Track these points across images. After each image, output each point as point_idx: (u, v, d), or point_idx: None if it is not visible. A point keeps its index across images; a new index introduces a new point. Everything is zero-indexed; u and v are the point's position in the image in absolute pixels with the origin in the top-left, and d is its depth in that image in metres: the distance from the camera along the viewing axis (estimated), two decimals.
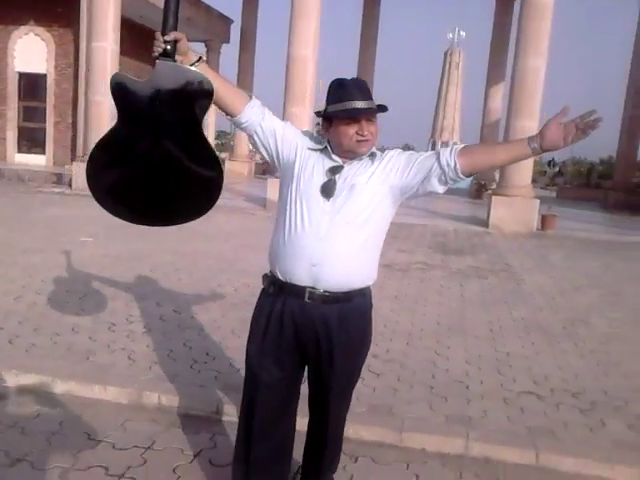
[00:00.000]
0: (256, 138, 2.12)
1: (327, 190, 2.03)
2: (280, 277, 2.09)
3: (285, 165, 2.12)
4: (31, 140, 17.06)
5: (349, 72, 22.65)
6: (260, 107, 2.10)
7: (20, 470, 2.53)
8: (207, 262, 6.55)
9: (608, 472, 2.74)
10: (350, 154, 2.06)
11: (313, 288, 2.04)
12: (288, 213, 2.08)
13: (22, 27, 16.59)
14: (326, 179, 2.05)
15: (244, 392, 2.27)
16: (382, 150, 2.15)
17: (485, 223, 11.78)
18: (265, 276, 2.20)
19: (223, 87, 2.04)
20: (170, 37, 1.93)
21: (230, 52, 23.75)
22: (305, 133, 2.19)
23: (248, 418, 2.21)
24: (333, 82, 2.07)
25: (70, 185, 13.22)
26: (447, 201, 17.44)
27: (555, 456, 2.80)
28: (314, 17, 12.21)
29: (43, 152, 16.82)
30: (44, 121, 16.74)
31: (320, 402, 2.22)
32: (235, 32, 21.99)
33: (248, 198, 13.92)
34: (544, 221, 11.66)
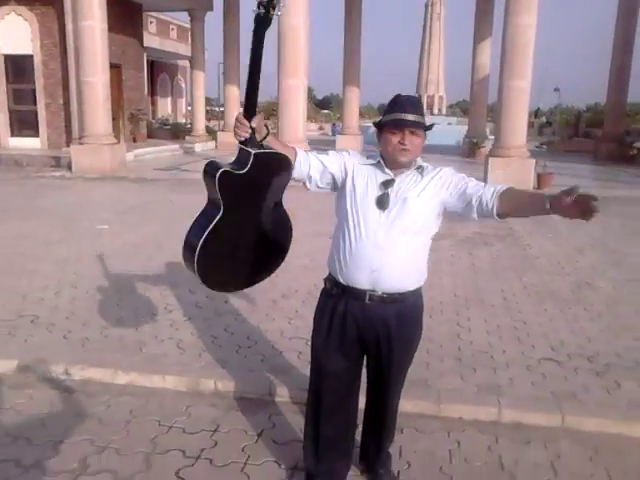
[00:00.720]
0: (309, 185, 2.38)
1: (382, 203, 2.27)
2: (342, 281, 2.36)
3: (340, 187, 2.37)
4: (23, 123, 16.98)
5: (336, 36, 22.40)
6: (305, 160, 2.32)
7: (108, 456, 2.83)
8: None
9: (627, 429, 3.09)
10: (396, 164, 2.29)
11: (373, 291, 2.31)
12: (347, 224, 2.32)
13: (3, 7, 16.31)
14: (380, 192, 2.28)
15: (311, 379, 2.57)
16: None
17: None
18: (327, 279, 2.47)
19: (279, 149, 2.26)
20: (255, 123, 2.13)
21: (216, 19, 23.40)
22: (355, 152, 2.43)
23: (316, 402, 2.53)
24: (394, 96, 2.31)
25: (70, 168, 13.28)
26: (441, 161, 17.60)
27: (579, 418, 3.15)
28: None
29: (37, 135, 16.75)
30: (34, 103, 16.63)
31: (379, 385, 2.53)
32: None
33: None
34: (540, 180, 11.94)
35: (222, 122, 23.28)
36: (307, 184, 2.37)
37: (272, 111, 42.74)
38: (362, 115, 33.91)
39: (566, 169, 15.12)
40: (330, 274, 2.46)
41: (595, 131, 29.51)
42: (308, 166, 2.32)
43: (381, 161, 2.32)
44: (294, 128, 12.19)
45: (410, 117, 2.21)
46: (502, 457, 2.85)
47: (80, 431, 3.05)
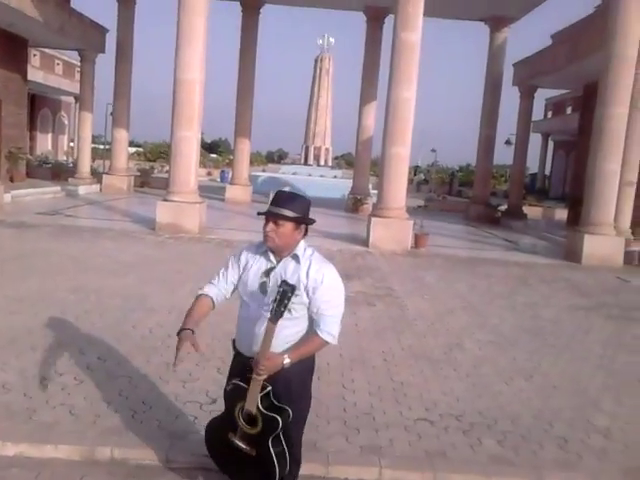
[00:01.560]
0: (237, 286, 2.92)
1: (263, 289, 2.77)
2: (237, 347, 2.94)
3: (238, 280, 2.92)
4: None
5: (230, 85, 22.91)
6: (219, 296, 2.95)
7: None
8: (114, 302, 6.73)
9: None
10: (269, 248, 2.76)
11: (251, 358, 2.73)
12: (241, 305, 2.90)
13: None
14: (262, 281, 2.77)
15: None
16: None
17: (365, 242, 12.79)
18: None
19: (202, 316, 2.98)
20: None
21: (107, 62, 23.12)
22: (251, 245, 2.92)
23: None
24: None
25: None
26: (327, 216, 18.40)
27: (447, 474, 3.56)
28: (200, 42, 12.47)
29: None
30: None
31: None
32: (111, 42, 21.47)
33: (134, 219, 13.87)
34: (417, 240, 12.91)
35: (108, 163, 22.70)
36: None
37: (160, 154, 42.31)
38: (251, 162, 34.56)
39: (441, 229, 16.41)
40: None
41: (467, 191, 32.18)
42: (223, 297, 2.95)
43: (268, 251, 2.78)
44: (185, 179, 12.32)
45: (274, 210, 2.66)
46: None
47: None
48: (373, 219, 12.86)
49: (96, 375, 4.59)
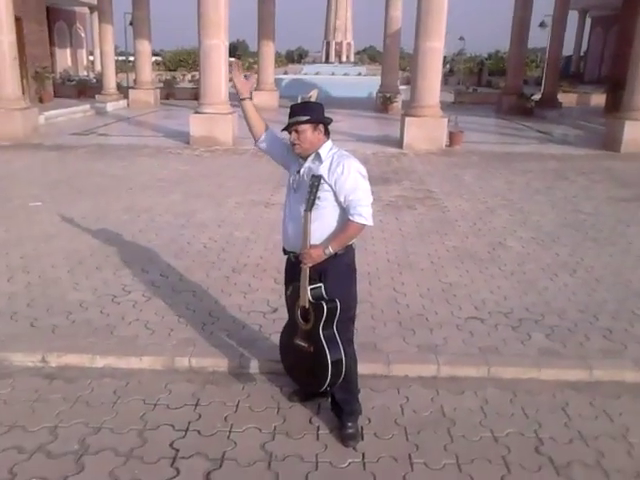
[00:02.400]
0: (269, 155, 3.34)
1: (293, 187, 3.08)
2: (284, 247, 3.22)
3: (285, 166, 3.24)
4: None
5: None
6: (270, 137, 3.27)
7: (104, 435, 3.17)
8: (165, 218, 7.00)
9: (537, 374, 3.79)
10: (298, 155, 3.04)
11: (293, 253, 3.10)
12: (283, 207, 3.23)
13: None
14: (293, 178, 3.09)
15: None
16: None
17: (399, 143, 12.68)
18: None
19: (253, 117, 3.29)
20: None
21: None
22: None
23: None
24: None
25: None
26: (356, 117, 18.15)
27: (500, 368, 3.81)
28: None
29: None
30: None
31: None
32: None
33: (167, 133, 13.93)
34: (452, 138, 12.73)
35: (132, 76, 22.44)
36: (267, 154, 3.37)
37: (179, 62, 41.36)
38: None
39: (473, 124, 16.09)
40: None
41: (497, 80, 30.98)
42: (269, 144, 3.28)
43: (299, 155, 3.05)
44: (217, 89, 12.20)
45: (292, 120, 2.94)
46: (443, 406, 3.46)
47: (71, 415, 3.35)
48: (407, 119, 12.65)
49: (162, 291, 4.90)
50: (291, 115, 2.97)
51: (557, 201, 8.27)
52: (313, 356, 2.96)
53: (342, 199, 2.93)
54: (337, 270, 3.00)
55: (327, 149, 2.99)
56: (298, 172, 3.04)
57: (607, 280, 5.34)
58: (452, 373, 3.78)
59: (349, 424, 3.15)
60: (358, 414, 3.23)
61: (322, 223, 2.97)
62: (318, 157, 2.98)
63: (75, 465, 2.91)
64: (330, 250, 2.91)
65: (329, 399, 3.30)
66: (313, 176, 2.85)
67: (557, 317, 4.55)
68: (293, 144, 2.98)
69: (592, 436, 3.19)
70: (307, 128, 2.93)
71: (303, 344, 3.01)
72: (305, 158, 3.01)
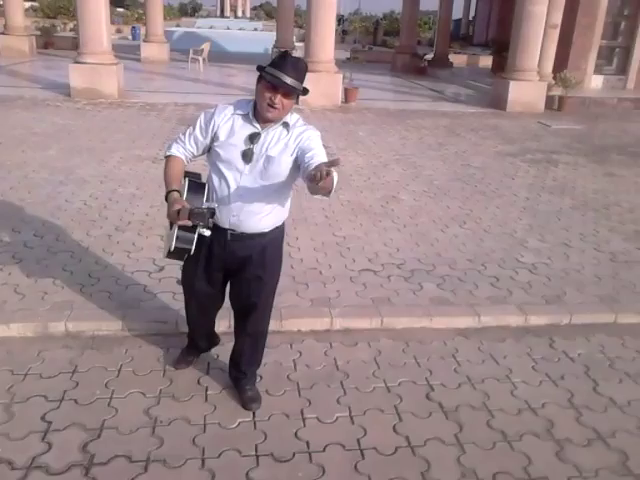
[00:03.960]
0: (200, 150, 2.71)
1: (246, 157, 2.53)
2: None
3: (210, 143, 2.63)
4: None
5: None
6: (184, 149, 2.67)
7: None
8: (40, 175, 6.39)
9: (428, 323, 3.83)
10: (264, 119, 2.49)
11: (233, 231, 2.64)
12: (216, 174, 2.62)
13: None
14: (245, 147, 2.52)
15: (185, 296, 3.00)
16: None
17: None
18: None
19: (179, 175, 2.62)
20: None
21: None
22: (228, 105, 2.62)
23: (187, 307, 3.03)
24: (281, 52, 2.51)
25: None
26: (250, 73, 17.61)
27: (393, 318, 3.82)
28: None
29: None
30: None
31: (249, 311, 2.87)
32: None
33: (45, 85, 12.78)
34: (347, 94, 12.66)
35: (2, 22, 20.32)
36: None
37: (59, 9, 38.20)
38: (164, 17, 31.90)
39: (369, 81, 16.14)
40: None
41: (392, 40, 31.30)
42: (191, 150, 2.68)
43: (250, 114, 2.53)
44: (97, 38, 11.26)
45: (288, 80, 2.38)
46: (337, 359, 3.41)
47: None
48: None
49: (35, 252, 4.47)
50: (283, 69, 2.38)
51: (448, 156, 8.46)
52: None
53: (310, 160, 2.42)
54: (269, 241, 2.75)
55: (290, 117, 2.56)
56: (251, 140, 2.51)
57: (494, 230, 5.52)
58: (345, 325, 3.74)
59: (247, 387, 3.02)
60: (256, 376, 3.10)
61: (278, 198, 2.66)
62: (286, 126, 2.54)
63: None
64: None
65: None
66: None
67: (448, 267, 4.63)
68: (273, 107, 2.41)
69: (479, 379, 3.27)
70: (293, 97, 2.45)
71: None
72: (259, 120, 2.51)
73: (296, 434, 2.78)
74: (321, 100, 12.12)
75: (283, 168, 2.56)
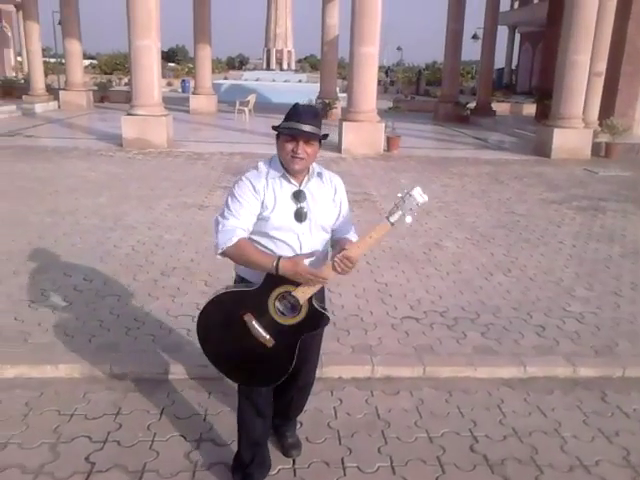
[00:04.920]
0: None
1: (299, 216, 2.45)
2: None
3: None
4: None
5: None
6: (243, 230, 2.40)
7: (10, 452, 2.89)
8: (91, 221, 6.64)
9: (473, 372, 3.74)
10: (292, 171, 2.43)
11: None
12: (270, 241, 2.46)
13: None
14: (296, 207, 2.44)
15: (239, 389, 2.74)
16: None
17: (337, 148, 12.66)
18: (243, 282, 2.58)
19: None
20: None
21: None
22: (255, 172, 2.49)
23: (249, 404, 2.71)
24: (293, 104, 2.46)
25: None
26: None
27: (436, 367, 3.75)
28: None
29: None
30: None
31: (300, 366, 2.67)
32: None
33: (99, 136, 13.41)
34: (389, 142, 12.82)
35: (63, 78, 21.58)
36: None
37: (115, 65, 40.29)
38: (212, 70, 33.29)
39: (411, 130, 16.31)
40: (247, 279, 2.55)
41: (434, 90, 31.73)
42: (246, 229, 2.42)
43: (286, 173, 2.45)
44: (149, 91, 11.84)
45: (306, 128, 2.34)
46: (378, 408, 3.35)
47: None
48: (344, 124, 12.65)
49: (84, 296, 4.61)
50: (300, 119, 2.35)
51: (492, 203, 8.41)
52: (271, 354, 2.47)
53: (341, 218, 2.57)
54: (323, 290, 2.67)
55: (318, 166, 2.55)
56: (297, 198, 2.45)
57: (540, 278, 5.40)
58: (387, 373, 3.69)
59: (288, 433, 2.98)
60: (297, 422, 3.07)
61: (326, 246, 2.60)
62: (320, 176, 2.52)
63: None
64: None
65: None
66: (419, 194, 2.32)
67: (492, 315, 4.54)
68: (298, 157, 2.37)
69: (526, 432, 3.15)
70: (317, 144, 2.42)
71: (263, 333, 2.42)
72: (293, 176, 2.45)
73: None
74: (363, 148, 12.33)
75: (331, 218, 2.56)
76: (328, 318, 2.53)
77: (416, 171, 10.85)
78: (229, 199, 2.45)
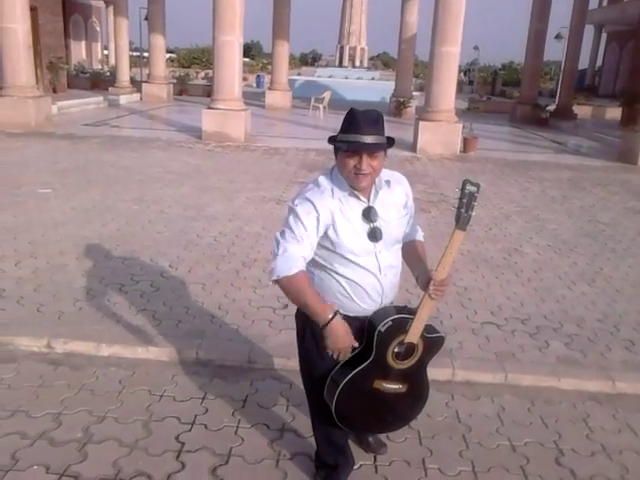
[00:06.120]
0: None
1: (374, 236, 2.26)
2: (342, 312, 2.28)
3: (322, 234, 2.25)
4: None
5: None
6: (304, 259, 2.19)
7: (109, 425, 3.06)
8: (175, 211, 6.90)
9: (556, 382, 3.66)
10: (360, 189, 2.22)
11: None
12: (343, 265, 2.28)
13: None
14: (368, 226, 2.25)
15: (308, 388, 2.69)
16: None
17: (412, 147, 12.56)
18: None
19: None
20: None
21: None
22: (317, 191, 2.24)
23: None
24: (348, 111, 2.20)
25: None
26: None
27: (518, 375, 3.68)
28: None
29: None
30: None
31: None
32: None
33: (179, 128, 13.87)
34: (466, 144, 12.60)
35: (145, 71, 22.42)
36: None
37: (193, 60, 41.40)
38: None
39: (487, 131, 15.97)
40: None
41: (510, 90, 30.90)
42: (309, 255, 2.24)
43: (353, 191, 2.23)
44: (230, 86, 12.12)
45: (368, 139, 2.09)
46: (458, 412, 3.33)
47: (76, 402, 3.24)
48: (421, 123, 12.54)
49: (170, 282, 4.80)
50: (355, 130, 2.09)
51: (574, 210, 8.13)
52: (408, 395, 2.47)
53: (410, 221, 2.45)
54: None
55: (384, 172, 2.32)
56: (368, 217, 2.25)
57: (627, 291, 5.20)
58: (467, 378, 3.66)
59: (371, 439, 2.97)
60: None
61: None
62: (388, 184, 2.31)
63: (78, 454, 2.81)
64: None
65: None
66: (469, 182, 2.20)
67: (576, 326, 4.42)
68: (362, 174, 2.14)
69: (616, 450, 3.05)
70: (382, 153, 2.17)
71: (395, 386, 2.40)
72: (359, 191, 2.23)
73: None
74: (439, 148, 12.18)
75: (403, 227, 2.43)
76: (443, 338, 2.50)
77: (493, 174, 10.63)
78: (291, 218, 2.20)
